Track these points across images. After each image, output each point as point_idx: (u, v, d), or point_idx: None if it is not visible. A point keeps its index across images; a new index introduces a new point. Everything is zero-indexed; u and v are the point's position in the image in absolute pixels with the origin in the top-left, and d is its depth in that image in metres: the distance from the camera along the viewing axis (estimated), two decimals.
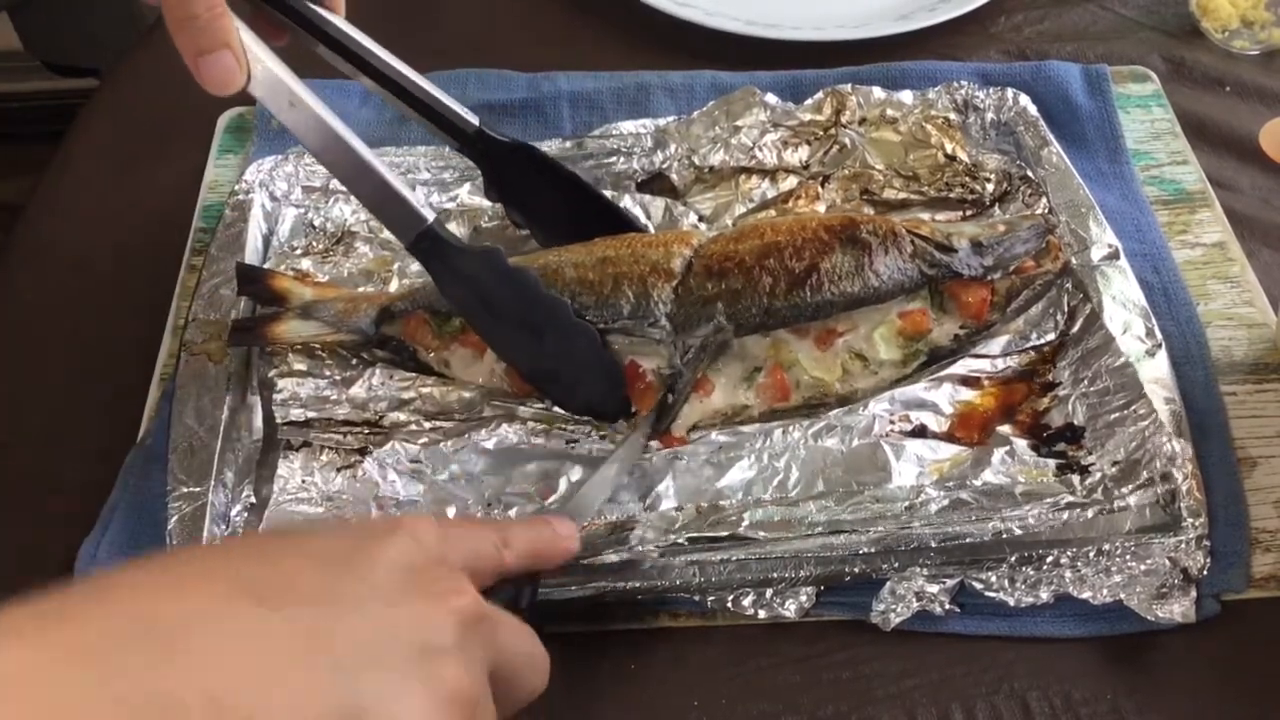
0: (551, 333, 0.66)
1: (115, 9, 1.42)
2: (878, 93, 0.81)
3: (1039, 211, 0.74)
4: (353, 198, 0.70)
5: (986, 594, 0.59)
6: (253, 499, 0.64)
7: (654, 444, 0.66)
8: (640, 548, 0.61)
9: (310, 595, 0.39)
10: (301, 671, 0.36)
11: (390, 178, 0.62)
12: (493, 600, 0.45)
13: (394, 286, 0.75)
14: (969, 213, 0.77)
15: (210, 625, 0.36)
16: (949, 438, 0.66)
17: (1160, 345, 0.66)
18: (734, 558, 0.60)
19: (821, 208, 0.77)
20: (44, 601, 0.36)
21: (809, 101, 0.82)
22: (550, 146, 0.82)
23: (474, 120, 0.70)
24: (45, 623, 0.35)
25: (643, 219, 0.77)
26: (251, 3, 0.64)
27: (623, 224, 0.74)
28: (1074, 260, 0.70)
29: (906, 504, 0.63)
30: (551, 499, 0.64)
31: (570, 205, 0.74)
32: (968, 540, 0.60)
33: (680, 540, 0.61)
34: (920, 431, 0.66)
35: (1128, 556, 0.59)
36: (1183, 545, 0.59)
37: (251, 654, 0.36)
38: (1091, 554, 0.59)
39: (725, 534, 0.62)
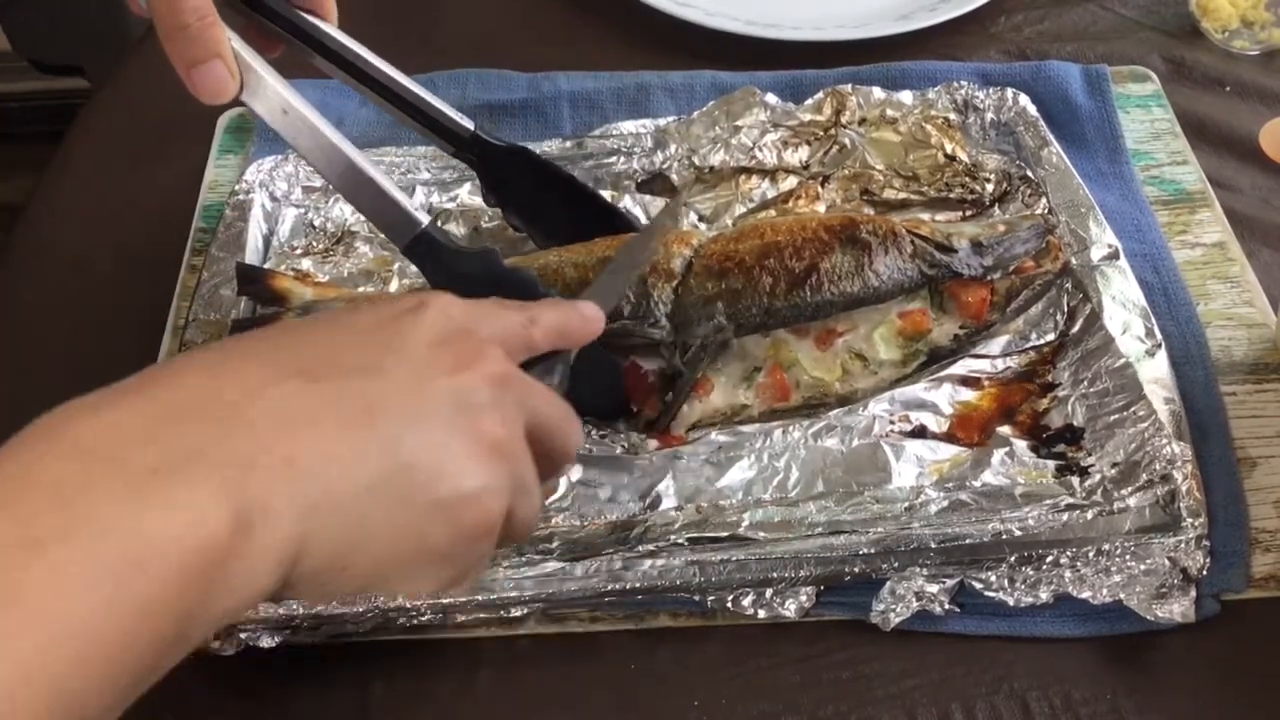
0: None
1: (100, 7, 1.42)
2: (878, 93, 0.81)
3: (1039, 211, 0.74)
4: None
5: (986, 594, 0.59)
6: None
7: (653, 444, 0.66)
8: (640, 547, 0.61)
9: (353, 369, 0.42)
10: (356, 431, 0.40)
11: (384, 182, 0.62)
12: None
13: (394, 287, 0.75)
14: (969, 213, 0.77)
15: (266, 399, 0.39)
16: (949, 438, 0.66)
17: (1160, 345, 0.66)
18: (734, 558, 0.60)
19: (821, 208, 0.77)
20: (102, 392, 0.39)
21: (809, 102, 0.82)
22: (550, 146, 0.82)
23: (469, 125, 0.70)
24: (102, 402, 0.38)
25: (643, 219, 0.77)
26: (244, 14, 0.64)
27: (621, 225, 0.74)
28: (1074, 260, 0.70)
29: (906, 504, 0.63)
30: (551, 499, 0.64)
31: (568, 207, 0.74)
32: (967, 541, 0.60)
33: (680, 540, 0.61)
34: (920, 432, 0.66)
35: (1127, 556, 0.59)
36: (1182, 545, 0.59)
37: (309, 421, 0.39)
38: (1091, 554, 0.59)
39: (725, 534, 0.62)
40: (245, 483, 0.37)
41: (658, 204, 0.78)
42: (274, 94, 0.59)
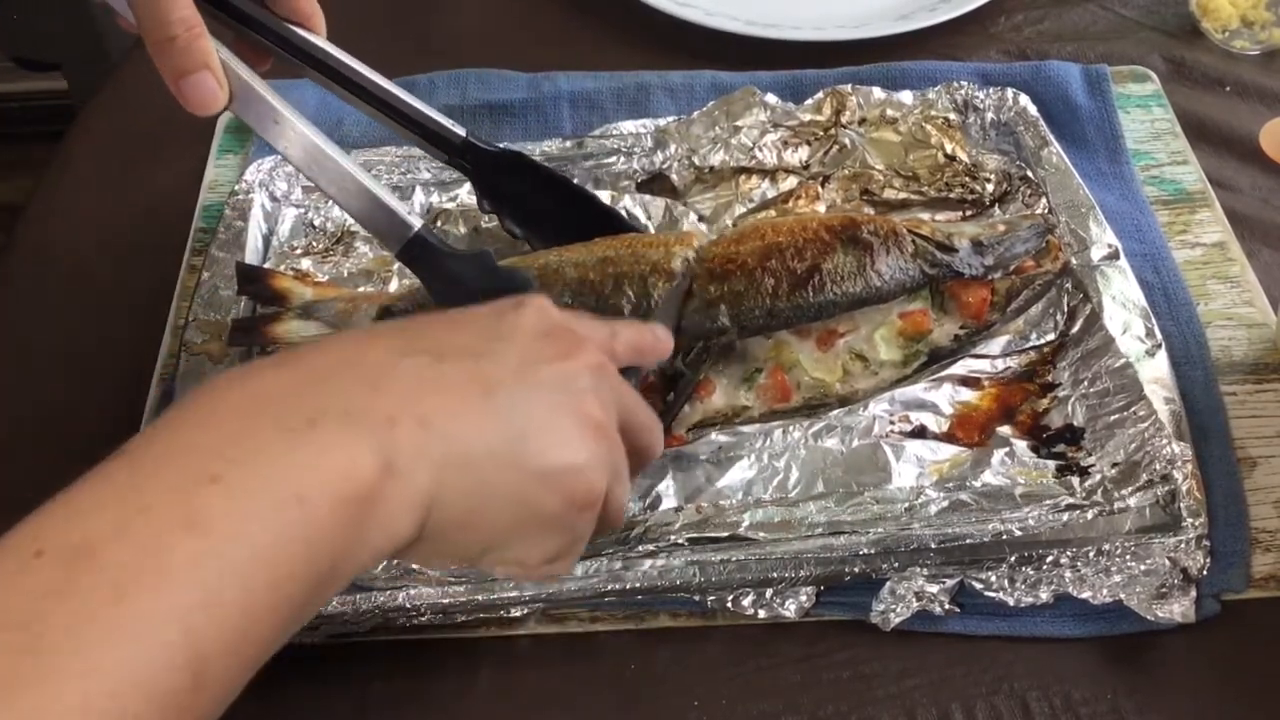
0: None
1: (75, 4, 1.42)
2: (878, 93, 0.81)
3: (1039, 211, 0.74)
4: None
5: (986, 594, 0.59)
6: None
7: None
8: (640, 547, 0.61)
9: (470, 351, 0.46)
10: (476, 402, 0.44)
11: (375, 188, 0.62)
12: None
13: (394, 286, 0.75)
14: (969, 213, 0.77)
15: (400, 369, 0.43)
16: (949, 438, 0.66)
17: (1160, 345, 0.66)
18: (734, 558, 0.60)
19: (822, 208, 0.77)
20: (243, 366, 0.44)
21: (809, 101, 0.82)
22: (550, 146, 0.82)
23: (460, 131, 0.70)
24: (248, 373, 0.43)
25: (643, 219, 0.77)
26: (234, 29, 0.64)
27: (619, 226, 0.74)
28: (1074, 260, 0.70)
29: (906, 505, 0.63)
30: None
31: (565, 210, 0.73)
32: (967, 541, 0.60)
33: (680, 540, 0.61)
34: (920, 432, 0.66)
35: (1127, 556, 0.59)
36: (1183, 545, 0.59)
37: (437, 389, 0.43)
38: (1091, 554, 0.59)
39: (725, 534, 0.62)
40: (388, 435, 0.41)
41: (658, 204, 0.78)
42: (264, 104, 0.60)
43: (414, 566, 0.60)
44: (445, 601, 0.59)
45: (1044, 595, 0.59)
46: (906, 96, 0.81)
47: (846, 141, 0.80)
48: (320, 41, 0.66)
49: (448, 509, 0.42)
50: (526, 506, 0.44)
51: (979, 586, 0.60)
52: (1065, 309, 0.69)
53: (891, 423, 0.66)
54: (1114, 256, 0.71)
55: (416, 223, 0.62)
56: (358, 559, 0.41)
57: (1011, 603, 0.59)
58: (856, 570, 0.60)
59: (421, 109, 0.69)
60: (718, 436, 0.66)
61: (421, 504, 0.42)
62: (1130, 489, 0.61)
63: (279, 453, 0.39)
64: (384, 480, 0.40)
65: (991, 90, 0.81)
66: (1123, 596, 0.58)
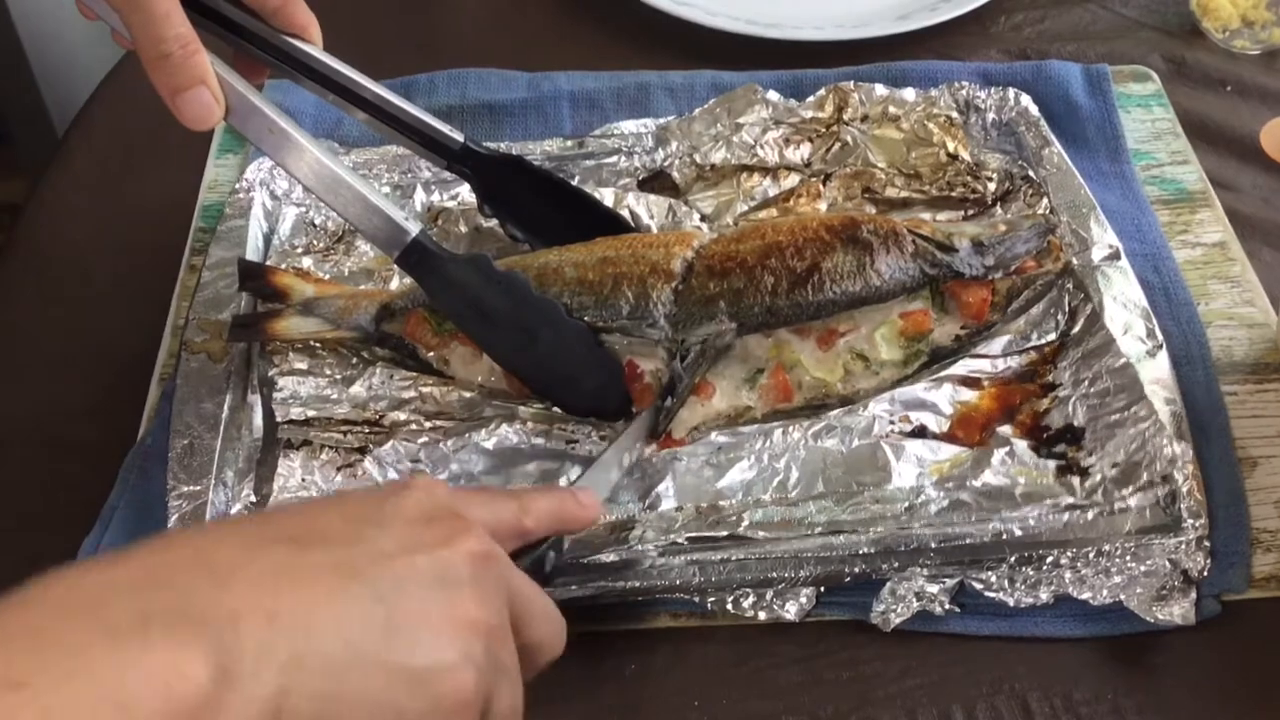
0: (545, 334, 0.66)
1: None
2: (880, 90, 0.81)
3: (1040, 211, 0.74)
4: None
5: (986, 594, 0.59)
6: (253, 498, 0.64)
7: (651, 447, 0.66)
8: (640, 547, 0.61)
9: (338, 538, 0.43)
10: (337, 594, 0.40)
11: (373, 196, 0.62)
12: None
13: (394, 284, 0.75)
14: (970, 212, 0.77)
15: (255, 563, 0.40)
16: (949, 438, 0.66)
17: (1161, 346, 0.66)
18: (734, 557, 0.60)
19: (823, 206, 0.77)
20: (95, 558, 0.42)
21: (811, 99, 0.82)
22: (550, 146, 0.82)
23: (459, 137, 0.70)
24: (93, 565, 0.40)
25: (645, 218, 0.77)
26: (230, 42, 0.64)
27: (622, 228, 0.74)
28: (1075, 260, 0.70)
29: (906, 505, 0.63)
30: None
31: (565, 212, 0.74)
32: (967, 541, 0.60)
33: (680, 540, 0.61)
34: (920, 432, 0.66)
35: (1128, 557, 0.59)
36: (1183, 546, 0.59)
37: (293, 581, 0.40)
38: (1091, 555, 0.59)
39: (725, 534, 0.62)
40: (227, 636, 0.37)
41: (660, 203, 0.77)
42: (259, 115, 0.60)
43: None
44: None
45: (1044, 596, 0.59)
46: (909, 94, 0.81)
47: (848, 139, 0.80)
48: (316, 52, 0.66)
49: (299, 714, 0.38)
50: (390, 710, 0.41)
51: (979, 587, 0.60)
52: (1066, 309, 0.69)
53: (892, 423, 0.66)
54: (1115, 256, 0.70)
55: (414, 229, 0.62)
56: None
57: (1011, 603, 0.59)
58: (856, 570, 0.60)
59: (419, 115, 0.69)
60: (717, 437, 0.66)
61: (265, 711, 0.37)
62: (1131, 489, 0.61)
63: (99, 655, 0.35)
64: (220, 687, 0.36)
65: (993, 90, 0.81)
66: (1123, 597, 0.58)
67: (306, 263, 0.76)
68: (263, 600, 0.39)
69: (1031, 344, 0.69)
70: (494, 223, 0.76)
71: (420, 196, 0.80)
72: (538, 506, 0.52)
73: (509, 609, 0.46)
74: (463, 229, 0.77)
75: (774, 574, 0.60)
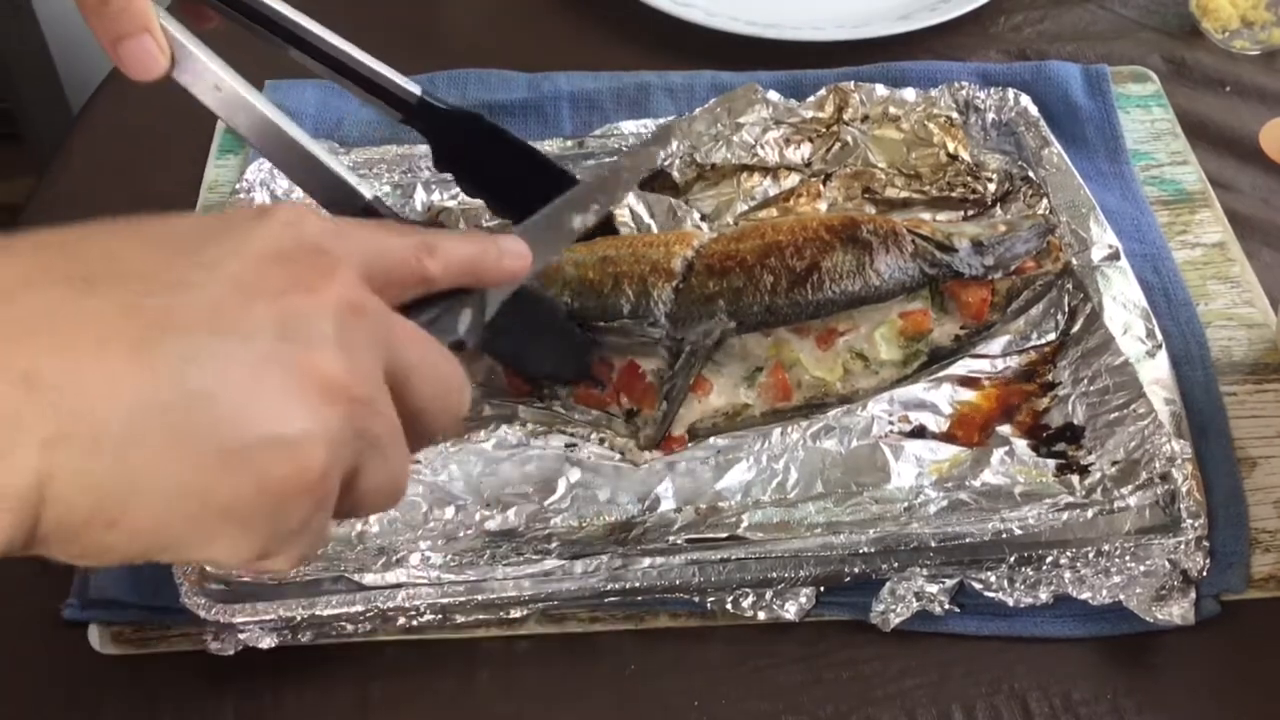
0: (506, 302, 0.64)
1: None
2: (880, 90, 0.81)
3: (1040, 212, 0.74)
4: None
5: (986, 594, 0.59)
6: None
7: (652, 450, 0.66)
8: (640, 548, 0.61)
9: (147, 278, 0.34)
10: (127, 351, 0.32)
11: (325, 158, 0.59)
12: (414, 319, 0.39)
13: None
14: (970, 212, 0.77)
15: (15, 305, 0.32)
16: (948, 438, 0.66)
17: (1160, 345, 0.66)
18: (733, 558, 0.60)
19: (823, 206, 0.77)
20: None
21: (811, 98, 0.81)
22: (550, 146, 0.82)
23: (416, 90, 0.67)
24: None
25: (645, 217, 0.77)
26: None
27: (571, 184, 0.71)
28: (1074, 260, 0.70)
29: (905, 505, 0.63)
30: (551, 499, 0.64)
31: (523, 175, 0.71)
32: (967, 540, 0.60)
33: (679, 541, 0.61)
34: (919, 432, 0.66)
35: (1127, 557, 0.59)
36: (1182, 546, 0.59)
37: (66, 335, 0.31)
38: (1091, 554, 0.59)
39: (724, 535, 0.62)
40: None
41: (661, 202, 0.77)
42: (205, 70, 0.57)
43: (410, 563, 0.60)
44: (445, 601, 0.59)
45: (1044, 596, 0.59)
46: (909, 94, 0.81)
47: (849, 139, 0.80)
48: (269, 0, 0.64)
49: (73, 501, 0.31)
50: (196, 498, 0.32)
51: (979, 587, 0.60)
52: (1066, 309, 0.69)
53: (891, 423, 0.66)
54: (1114, 257, 0.71)
55: (368, 192, 0.60)
56: None
57: (1011, 603, 0.59)
58: (856, 570, 0.60)
59: (375, 66, 0.66)
60: (716, 440, 0.66)
61: (18, 496, 0.30)
62: (1130, 487, 0.61)
63: None
64: None
65: (992, 90, 0.81)
66: (1122, 598, 0.58)
67: None
68: (18, 357, 0.31)
69: (1031, 344, 0.69)
70: (495, 223, 0.76)
71: (420, 195, 0.80)
72: (447, 249, 0.41)
73: (387, 371, 0.37)
74: (463, 228, 0.77)
75: (773, 574, 0.60)
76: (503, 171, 0.70)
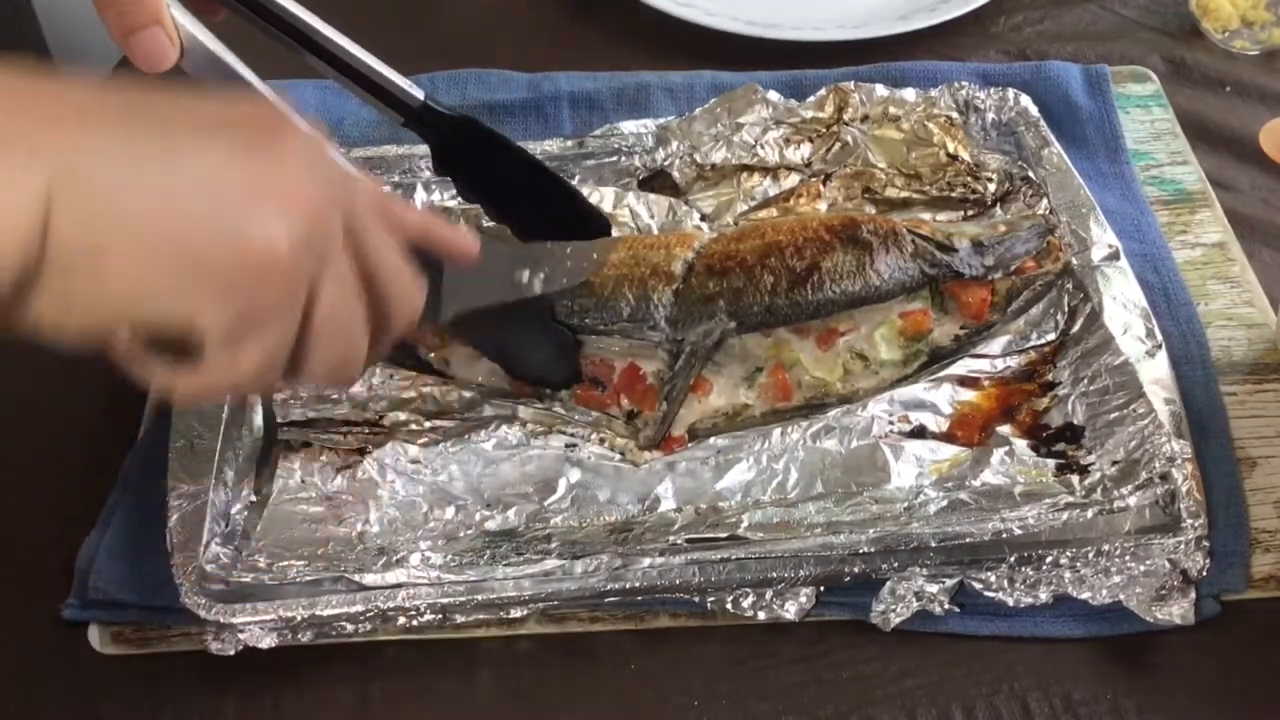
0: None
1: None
2: (880, 90, 0.81)
3: (1040, 212, 0.74)
4: None
5: (986, 594, 0.59)
6: (253, 498, 0.64)
7: (653, 452, 0.66)
8: (640, 548, 0.61)
9: (131, 98, 0.39)
10: (119, 126, 0.38)
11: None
12: None
13: None
14: (970, 212, 0.77)
15: (13, 93, 0.37)
16: (948, 438, 0.66)
17: (1160, 345, 0.66)
18: (733, 557, 0.60)
19: (823, 206, 0.77)
20: None
21: (811, 99, 0.81)
22: (550, 146, 0.81)
23: (419, 94, 0.68)
24: None
25: (645, 217, 0.77)
26: None
27: (579, 205, 0.72)
28: (1074, 260, 0.70)
29: (905, 505, 0.63)
30: (551, 500, 0.64)
31: (522, 182, 0.71)
32: (967, 540, 0.60)
33: (679, 541, 0.61)
34: (919, 432, 0.66)
35: (1127, 557, 0.59)
36: (1182, 546, 0.59)
37: (62, 119, 0.37)
38: (1091, 554, 0.59)
39: (724, 535, 0.62)
40: None
41: (661, 202, 0.77)
42: (215, 62, 0.58)
43: (410, 563, 0.60)
44: (445, 601, 0.59)
45: (1043, 595, 0.59)
46: (909, 94, 0.81)
47: (849, 139, 0.80)
48: None
49: (69, 224, 0.36)
50: (177, 245, 0.37)
51: (979, 586, 0.60)
52: (1065, 309, 0.69)
53: (891, 423, 0.66)
54: (1114, 257, 0.71)
55: None
56: None
57: (1011, 603, 0.59)
58: (856, 570, 0.60)
59: (379, 68, 0.66)
60: (716, 440, 0.66)
61: (30, 208, 0.35)
62: (1130, 487, 0.61)
63: None
64: None
65: (992, 90, 0.81)
66: (1122, 597, 0.58)
67: None
68: (30, 113, 0.36)
69: (1031, 344, 0.69)
70: (495, 224, 0.76)
71: (420, 195, 0.80)
72: (408, 205, 0.48)
73: (346, 226, 0.42)
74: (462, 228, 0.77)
75: (773, 574, 0.60)
76: (502, 178, 0.71)
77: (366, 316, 0.44)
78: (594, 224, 0.70)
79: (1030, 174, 0.76)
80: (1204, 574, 0.59)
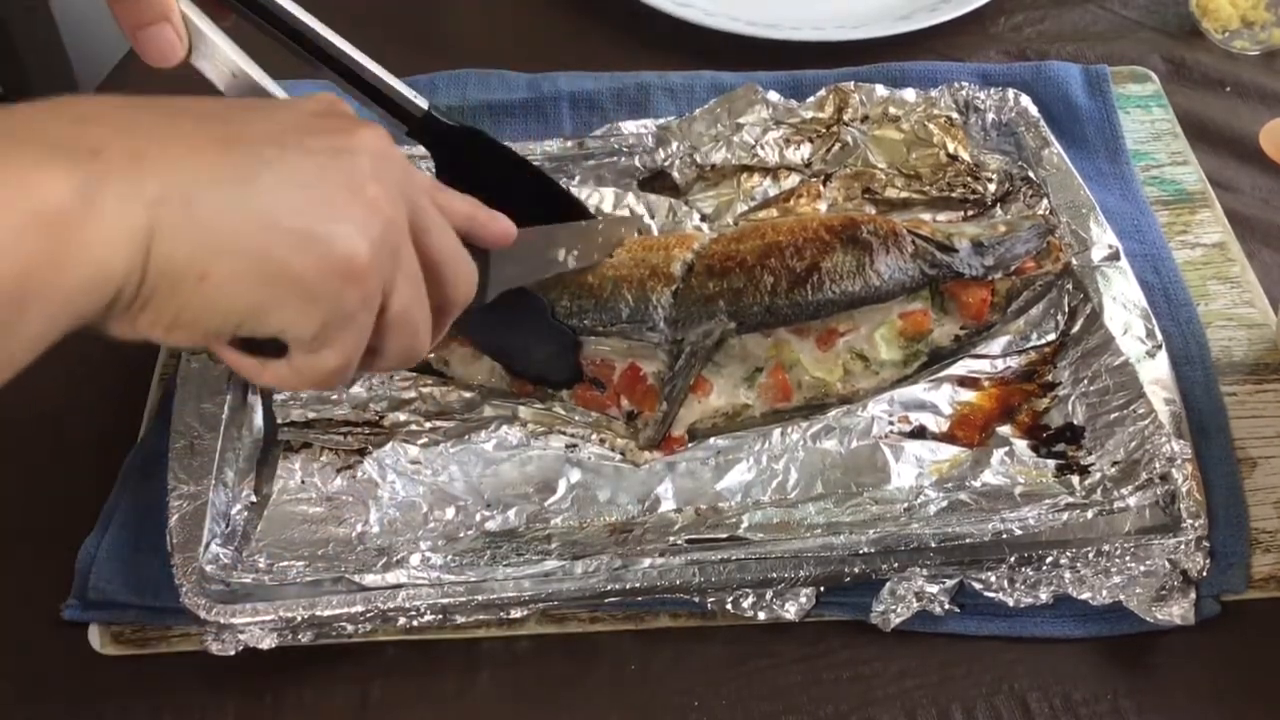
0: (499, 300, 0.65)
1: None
2: (880, 90, 0.81)
3: (1040, 212, 0.74)
4: None
5: (986, 594, 0.59)
6: (253, 498, 0.64)
7: (653, 452, 0.66)
8: (640, 548, 0.61)
9: (216, 114, 0.42)
10: (209, 149, 0.40)
11: None
12: None
13: None
14: (970, 213, 0.77)
15: (121, 114, 0.40)
16: (948, 438, 0.66)
17: (1160, 346, 0.66)
18: (733, 558, 0.60)
19: (823, 206, 0.77)
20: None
21: (811, 99, 0.81)
22: (550, 146, 0.81)
23: (422, 104, 0.67)
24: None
25: (646, 217, 0.76)
26: None
27: (580, 214, 0.72)
28: (1074, 261, 0.70)
29: (905, 505, 0.63)
30: (551, 500, 0.64)
31: (525, 192, 0.71)
32: (967, 541, 0.60)
33: (679, 542, 0.61)
34: (919, 432, 0.66)
35: (1127, 557, 0.59)
36: (1182, 547, 0.59)
37: (162, 136, 0.39)
38: (1091, 555, 0.59)
39: (724, 535, 0.62)
40: (88, 164, 0.37)
41: (661, 202, 0.77)
42: (223, 57, 0.57)
43: (410, 563, 0.60)
44: (445, 602, 0.59)
45: (1044, 596, 0.59)
46: (909, 94, 0.81)
47: (849, 139, 0.80)
48: (283, 1, 0.64)
49: (172, 252, 0.38)
50: (272, 263, 0.40)
51: (979, 587, 0.60)
52: (1066, 309, 0.69)
53: (891, 423, 0.66)
54: (1114, 257, 0.71)
55: None
56: (57, 285, 0.36)
57: (1011, 603, 0.59)
58: (856, 570, 0.60)
59: (383, 77, 0.66)
60: (716, 440, 0.66)
61: (132, 238, 0.37)
62: (1130, 487, 0.61)
63: None
64: (82, 206, 0.36)
65: (992, 91, 0.81)
66: (1122, 598, 0.58)
67: None
68: (129, 143, 0.38)
69: (1031, 344, 0.69)
70: None
71: None
72: (452, 193, 0.50)
73: (410, 219, 0.45)
74: None
75: (773, 574, 0.60)
76: (506, 190, 0.71)
77: (430, 303, 0.47)
78: None
79: (1030, 174, 0.76)
80: (1204, 574, 0.59)
